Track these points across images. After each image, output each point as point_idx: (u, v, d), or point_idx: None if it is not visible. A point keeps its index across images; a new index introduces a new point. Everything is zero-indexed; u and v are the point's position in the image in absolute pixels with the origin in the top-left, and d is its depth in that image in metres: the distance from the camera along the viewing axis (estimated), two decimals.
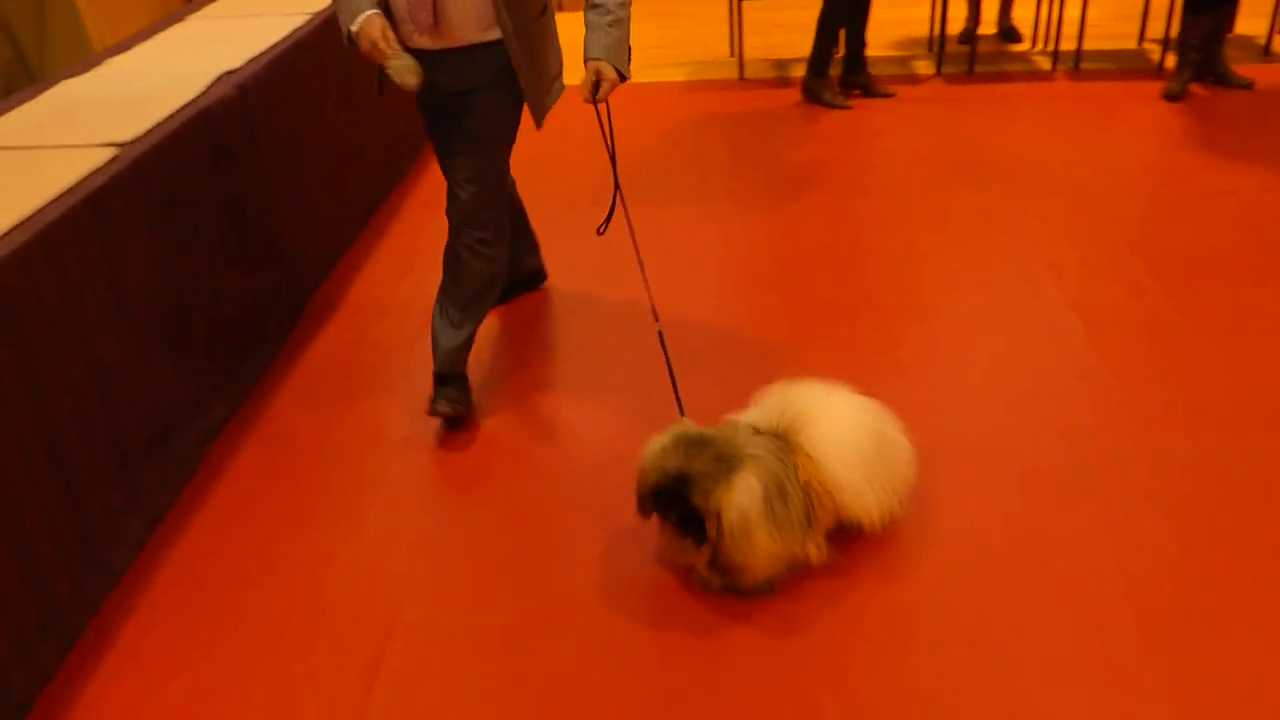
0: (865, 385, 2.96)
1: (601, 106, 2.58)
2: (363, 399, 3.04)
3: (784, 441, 2.25)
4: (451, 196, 2.76)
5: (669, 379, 2.57)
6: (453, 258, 2.80)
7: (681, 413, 2.40)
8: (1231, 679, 2.04)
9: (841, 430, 2.27)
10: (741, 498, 2.12)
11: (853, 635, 2.18)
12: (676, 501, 2.16)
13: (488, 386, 3.07)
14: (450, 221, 2.79)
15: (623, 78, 2.55)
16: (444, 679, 2.14)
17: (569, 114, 4.41)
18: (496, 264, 2.82)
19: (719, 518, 2.12)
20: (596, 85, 2.52)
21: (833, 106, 5.01)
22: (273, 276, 3.24)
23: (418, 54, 2.56)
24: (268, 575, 2.42)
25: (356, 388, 3.09)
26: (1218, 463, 2.59)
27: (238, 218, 3.03)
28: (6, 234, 2.15)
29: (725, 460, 2.14)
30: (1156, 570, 2.29)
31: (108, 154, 2.54)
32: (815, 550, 2.26)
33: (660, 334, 2.62)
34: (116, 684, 2.17)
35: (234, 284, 2.99)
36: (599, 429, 2.86)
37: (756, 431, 2.28)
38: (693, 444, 2.17)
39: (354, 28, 2.47)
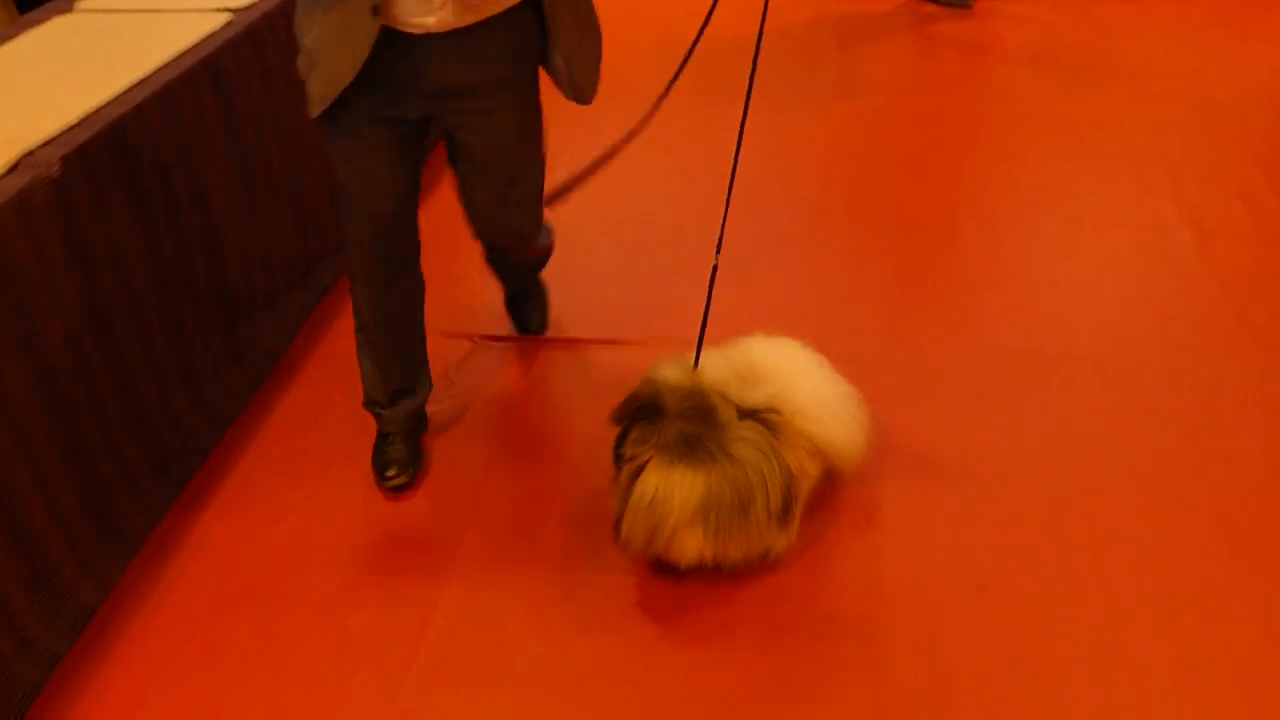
0: (962, 286, 2.92)
1: None
2: (461, 279, 3.10)
3: (769, 424, 2.01)
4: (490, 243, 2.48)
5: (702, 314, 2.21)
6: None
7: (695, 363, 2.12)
8: None
9: (817, 385, 2.12)
10: (668, 492, 1.91)
11: (944, 532, 2.20)
12: (628, 421, 2.00)
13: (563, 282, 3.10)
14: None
15: None
16: (515, 560, 2.22)
17: None
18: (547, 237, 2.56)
19: (631, 479, 1.95)
20: None
21: (952, 5, 4.83)
22: None
23: (415, 42, 1.89)
24: (361, 437, 2.52)
25: (456, 266, 3.15)
26: None
27: None
28: (126, 91, 2.23)
29: (694, 448, 1.91)
30: (1245, 493, 2.25)
31: (223, 19, 2.60)
32: (784, 541, 2.06)
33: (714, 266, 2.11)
34: (220, 526, 2.30)
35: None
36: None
37: (741, 414, 2.01)
38: (699, 409, 1.94)
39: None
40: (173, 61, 2.37)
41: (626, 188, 3.45)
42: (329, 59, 1.88)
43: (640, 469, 1.94)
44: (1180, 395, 2.51)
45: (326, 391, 2.67)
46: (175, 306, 2.32)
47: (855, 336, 2.73)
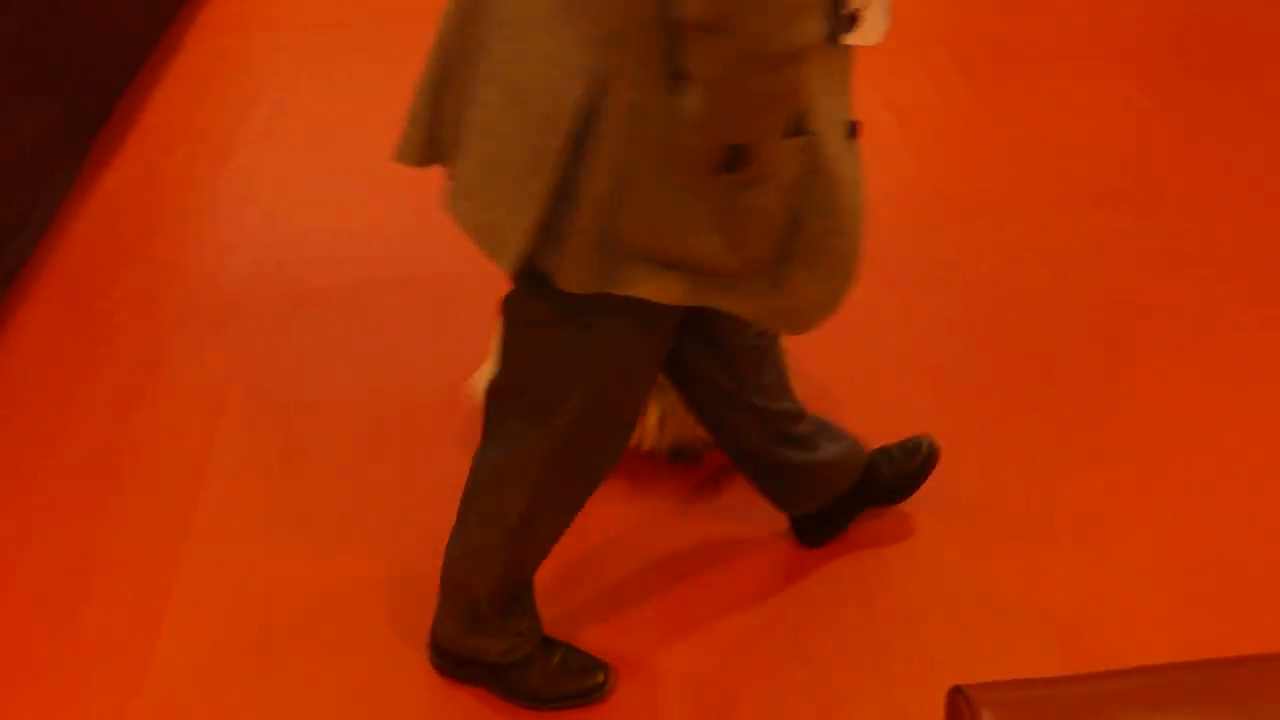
0: None
1: None
2: (161, 236, 2.89)
3: None
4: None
5: None
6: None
7: None
8: (1009, 428, 2.20)
9: None
10: None
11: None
12: None
13: None
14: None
15: None
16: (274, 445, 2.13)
17: None
18: None
19: None
20: None
21: None
22: (52, 110, 2.99)
23: None
24: (69, 418, 2.33)
25: (153, 222, 2.93)
26: (1017, 248, 2.71)
27: (8, 48, 2.76)
28: None
29: None
30: (953, 350, 2.42)
31: None
32: None
33: None
34: None
35: (9, 122, 2.75)
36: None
37: None
38: None
39: None
40: None
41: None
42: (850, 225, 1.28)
43: None
44: (892, 267, 2.66)
45: (16, 390, 2.44)
46: None
47: None
